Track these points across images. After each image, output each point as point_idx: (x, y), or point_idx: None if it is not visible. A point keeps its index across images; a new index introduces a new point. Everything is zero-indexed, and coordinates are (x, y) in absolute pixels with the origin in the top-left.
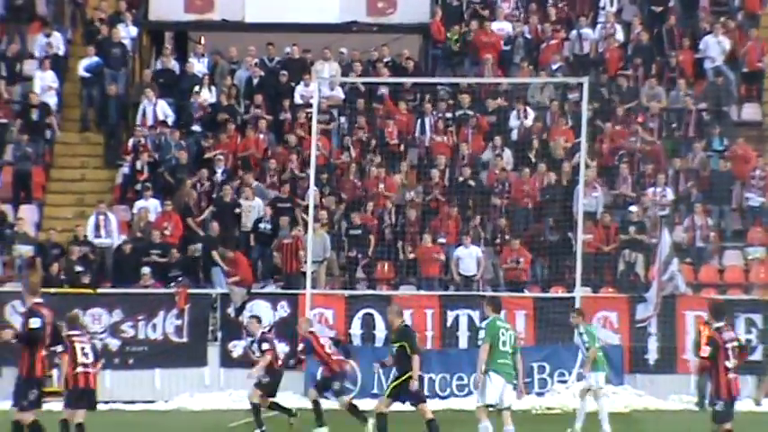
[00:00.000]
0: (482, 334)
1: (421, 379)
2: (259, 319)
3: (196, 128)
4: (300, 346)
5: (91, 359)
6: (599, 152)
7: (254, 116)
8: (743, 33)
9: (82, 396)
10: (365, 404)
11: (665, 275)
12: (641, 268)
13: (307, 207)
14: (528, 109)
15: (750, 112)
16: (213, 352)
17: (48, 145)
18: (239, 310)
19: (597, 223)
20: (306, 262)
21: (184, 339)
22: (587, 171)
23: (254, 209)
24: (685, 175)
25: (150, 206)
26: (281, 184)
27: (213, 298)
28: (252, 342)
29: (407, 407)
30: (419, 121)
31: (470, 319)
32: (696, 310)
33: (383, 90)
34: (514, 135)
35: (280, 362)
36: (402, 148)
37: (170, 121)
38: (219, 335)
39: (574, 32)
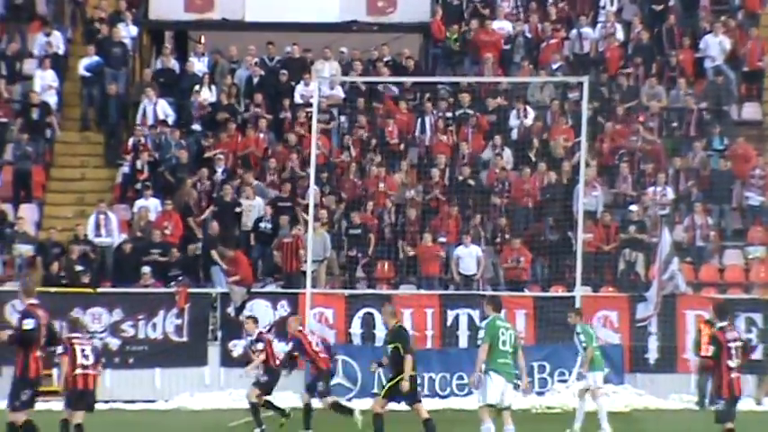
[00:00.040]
0: (481, 333)
1: (415, 379)
2: (255, 320)
3: (196, 127)
4: (290, 345)
5: (91, 361)
6: (599, 151)
7: (254, 115)
8: (743, 32)
9: (80, 397)
10: (366, 404)
11: (666, 275)
12: (641, 267)
13: (307, 206)
14: (528, 108)
15: (750, 111)
16: (213, 351)
17: (48, 144)
18: (239, 310)
19: (597, 222)
20: (306, 261)
21: (184, 339)
22: (587, 170)
23: (254, 208)
24: (685, 175)
25: (150, 205)
26: (281, 183)
27: (213, 297)
28: (252, 341)
29: (405, 406)
30: (419, 120)
31: (470, 318)
32: (696, 310)
33: (383, 88)
34: (514, 134)
35: (278, 361)
36: (402, 147)
37: (170, 120)
38: (220, 334)
39: (574, 32)
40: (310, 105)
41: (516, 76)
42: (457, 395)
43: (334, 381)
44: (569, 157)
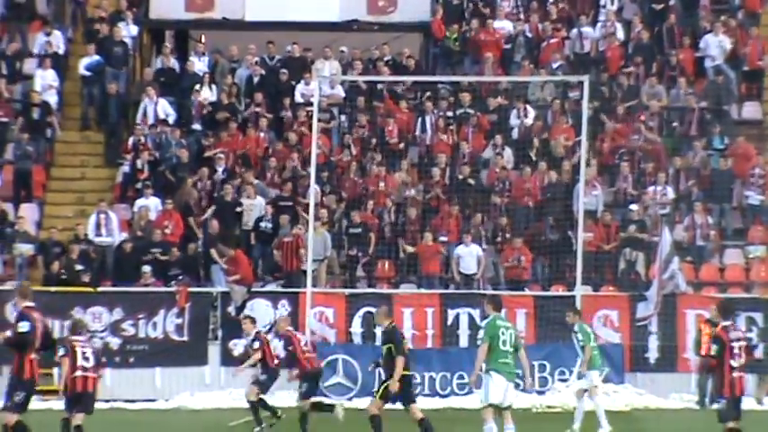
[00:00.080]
0: (481, 333)
1: (410, 380)
2: (253, 320)
3: (196, 126)
4: (282, 342)
5: (91, 363)
6: (600, 151)
7: (254, 114)
8: (743, 32)
9: (79, 400)
10: (366, 403)
11: (666, 274)
12: (642, 267)
13: (308, 205)
14: (528, 107)
15: (750, 110)
16: (214, 351)
17: (48, 144)
18: (240, 309)
19: (598, 222)
20: (306, 260)
21: (185, 338)
22: (588, 169)
23: (255, 207)
24: (686, 174)
25: (151, 205)
26: (282, 182)
27: (214, 296)
28: (250, 341)
29: (396, 406)
30: (420, 119)
31: (471, 317)
32: (697, 309)
33: (383, 87)
34: (515, 134)
35: (276, 361)
36: (402, 146)
37: (171, 119)
38: (220, 333)
39: (574, 31)
40: (311, 104)
41: (517, 76)
42: (457, 394)
43: (335, 380)
44: (570, 156)
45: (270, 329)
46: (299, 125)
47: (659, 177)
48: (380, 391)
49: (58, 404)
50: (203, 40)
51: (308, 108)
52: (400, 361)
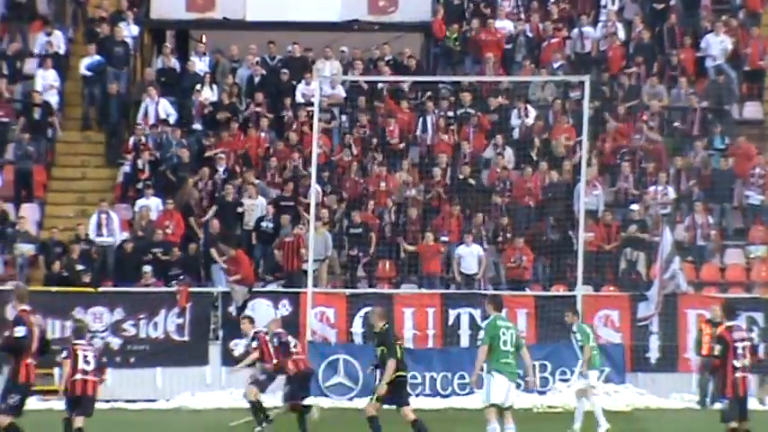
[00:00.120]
0: (481, 334)
1: (404, 382)
2: (251, 319)
3: (197, 126)
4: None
5: (92, 367)
6: (601, 150)
7: (254, 114)
8: (744, 32)
9: (79, 403)
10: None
11: (667, 274)
12: (643, 267)
13: (309, 205)
14: (529, 107)
15: (751, 110)
16: (214, 351)
17: (49, 144)
18: (241, 309)
19: (598, 222)
20: (307, 260)
21: (186, 338)
22: (588, 169)
23: (256, 207)
24: (687, 174)
25: (152, 204)
26: (283, 182)
27: (214, 296)
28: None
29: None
30: (420, 119)
31: (472, 317)
32: (698, 309)
33: (384, 87)
34: (516, 133)
35: (274, 360)
36: (403, 146)
37: (171, 119)
38: (221, 333)
39: (575, 31)
40: (311, 104)
41: (517, 76)
42: (458, 394)
43: (336, 380)
44: (570, 156)
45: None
46: (300, 125)
47: (660, 177)
48: (376, 392)
49: (59, 404)
50: (204, 40)
51: (309, 108)
52: (391, 364)
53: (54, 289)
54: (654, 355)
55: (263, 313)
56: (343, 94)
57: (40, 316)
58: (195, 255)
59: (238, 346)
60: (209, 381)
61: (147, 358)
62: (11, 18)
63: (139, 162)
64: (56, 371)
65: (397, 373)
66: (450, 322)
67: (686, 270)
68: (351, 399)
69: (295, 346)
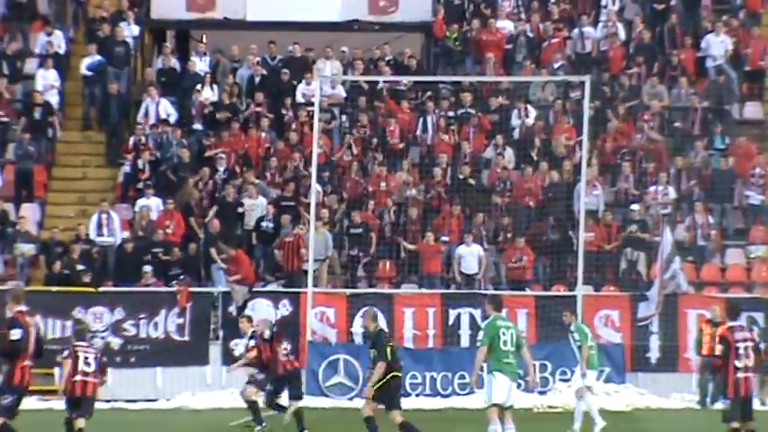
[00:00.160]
0: (480, 335)
1: (398, 385)
2: (250, 318)
3: (198, 126)
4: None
5: (92, 368)
6: (601, 150)
7: (255, 113)
8: (745, 32)
9: (78, 404)
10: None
11: (667, 274)
12: (643, 267)
13: (309, 205)
14: (529, 107)
15: (752, 110)
16: (215, 350)
17: (49, 144)
18: (241, 309)
19: (599, 222)
20: (307, 260)
21: (186, 338)
22: (589, 169)
23: (257, 207)
24: (687, 174)
25: (152, 204)
26: (284, 182)
27: (215, 296)
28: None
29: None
30: (421, 119)
31: (472, 317)
32: (698, 309)
33: (385, 87)
34: (516, 134)
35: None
36: (404, 146)
37: (172, 119)
38: (221, 333)
39: (576, 31)
40: (312, 104)
41: (518, 76)
42: (459, 394)
43: (336, 380)
44: (571, 156)
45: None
46: (301, 125)
47: (660, 177)
48: (372, 393)
49: (59, 404)
50: (204, 39)
51: (310, 108)
52: (379, 366)
53: (54, 289)
54: (654, 355)
55: (264, 313)
56: (344, 94)
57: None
58: (195, 255)
59: (239, 346)
60: (209, 381)
61: (147, 358)
62: (11, 18)
63: (140, 162)
64: (56, 371)
65: (392, 374)
66: (451, 322)
67: (687, 270)
68: (351, 399)
69: (285, 347)
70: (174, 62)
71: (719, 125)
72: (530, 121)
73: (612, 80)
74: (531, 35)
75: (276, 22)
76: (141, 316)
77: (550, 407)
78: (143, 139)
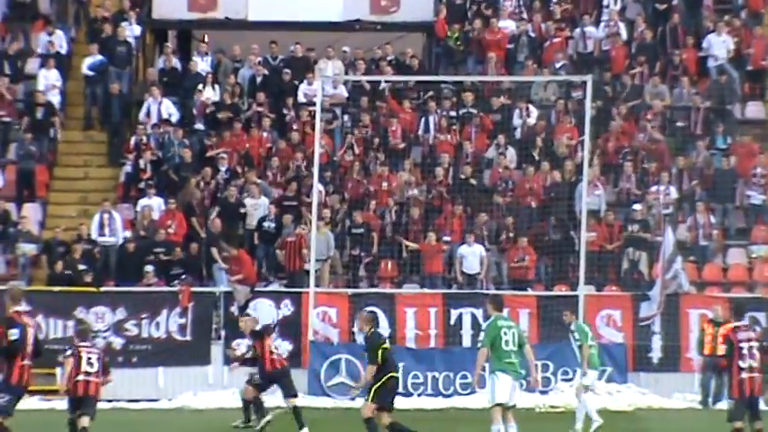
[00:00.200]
0: (481, 336)
1: (393, 387)
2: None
3: (199, 126)
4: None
5: (95, 368)
6: (604, 150)
7: (256, 113)
8: (747, 31)
9: (81, 403)
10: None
11: (669, 274)
12: (645, 266)
13: (311, 205)
14: (530, 107)
15: (754, 110)
16: (217, 350)
17: (51, 143)
18: (243, 309)
19: (601, 221)
20: (309, 260)
21: (188, 338)
22: (590, 169)
23: (259, 207)
24: (689, 174)
25: (154, 204)
26: (286, 182)
27: (216, 296)
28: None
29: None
30: (423, 119)
31: (474, 317)
32: (700, 309)
33: (386, 88)
34: (518, 133)
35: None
36: (405, 146)
37: (174, 119)
38: (223, 333)
39: (577, 31)
40: (313, 104)
41: (520, 76)
42: (460, 394)
43: (338, 380)
44: (573, 156)
45: (273, 329)
46: (302, 125)
47: (662, 177)
48: (371, 394)
49: (60, 404)
50: (206, 39)
51: (311, 108)
52: (369, 370)
53: (56, 289)
54: (656, 354)
55: (266, 313)
56: (346, 94)
57: (37, 317)
58: (197, 255)
59: (240, 346)
60: (211, 380)
61: (149, 358)
62: (13, 18)
63: (141, 162)
64: (57, 371)
65: (389, 375)
66: (453, 322)
67: (688, 270)
68: (353, 398)
69: (275, 347)
70: (176, 62)
71: (721, 125)
72: (531, 120)
73: (614, 80)
74: (532, 35)
75: (278, 21)
76: (143, 316)
77: (552, 407)
78: (144, 138)
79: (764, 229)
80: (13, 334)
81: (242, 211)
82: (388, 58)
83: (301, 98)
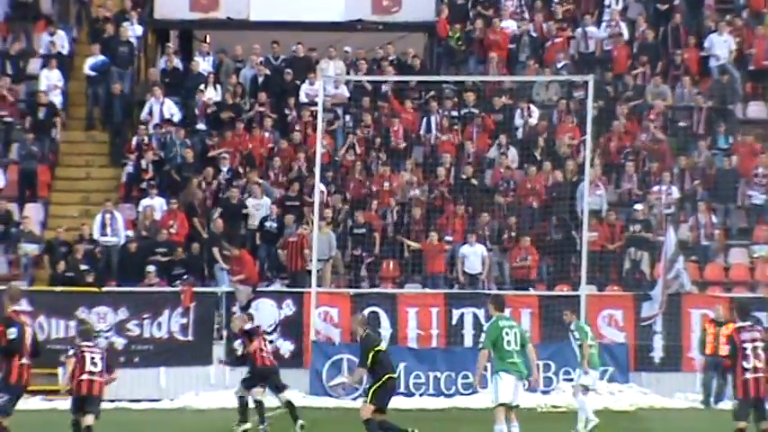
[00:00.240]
0: (482, 338)
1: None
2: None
3: (201, 126)
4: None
5: (99, 368)
6: (606, 150)
7: (258, 113)
8: (749, 31)
9: (84, 402)
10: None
11: (671, 273)
12: (647, 266)
13: (313, 205)
14: (532, 107)
15: (755, 109)
16: (218, 350)
17: (53, 143)
18: (244, 309)
19: (602, 221)
20: (311, 260)
21: (189, 338)
22: (592, 169)
23: (262, 207)
24: (691, 174)
25: (156, 204)
26: (288, 182)
27: (218, 296)
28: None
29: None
30: (424, 119)
31: (476, 317)
32: (702, 309)
33: (387, 88)
34: (520, 133)
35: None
36: (407, 146)
37: (176, 119)
38: (225, 333)
39: (579, 30)
40: (315, 104)
41: (521, 75)
42: (462, 394)
43: (339, 380)
44: (575, 156)
45: (275, 329)
46: (304, 125)
47: (664, 177)
48: (369, 395)
49: (62, 404)
50: (208, 39)
51: (313, 108)
52: (359, 371)
53: (58, 289)
54: (658, 354)
55: (267, 313)
56: (347, 94)
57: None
58: (199, 255)
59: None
60: (212, 380)
61: (150, 358)
62: (15, 18)
63: (143, 162)
64: (59, 370)
65: (387, 376)
66: (454, 322)
67: (690, 270)
68: (355, 398)
69: (266, 345)
70: (178, 62)
71: (723, 125)
72: (533, 120)
73: (616, 80)
74: (534, 35)
75: (279, 21)
76: (145, 316)
77: (554, 406)
78: (146, 138)
79: (766, 229)
80: (12, 333)
81: (244, 211)
82: (390, 58)
83: (303, 98)
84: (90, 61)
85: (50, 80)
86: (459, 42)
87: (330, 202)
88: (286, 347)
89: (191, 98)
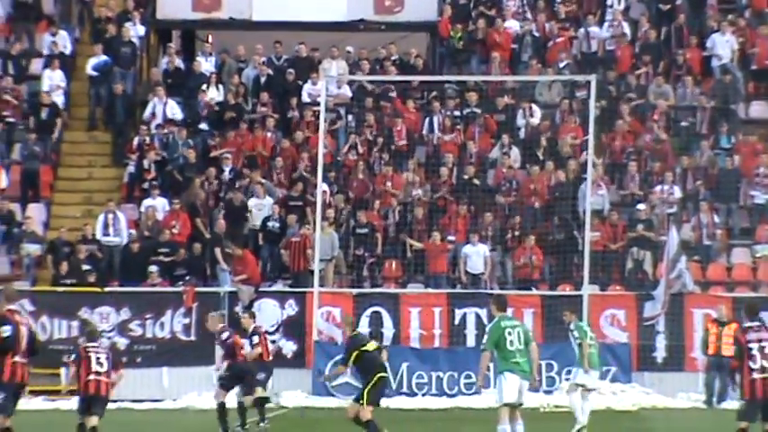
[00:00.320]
0: (485, 339)
1: (383, 385)
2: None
3: (203, 126)
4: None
5: (105, 368)
6: (610, 150)
7: (261, 114)
8: (751, 31)
9: (91, 402)
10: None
11: (673, 273)
12: (649, 266)
13: (315, 205)
14: (534, 107)
15: (758, 109)
16: (221, 351)
17: (55, 144)
18: (247, 309)
19: (605, 221)
20: (314, 260)
21: (192, 338)
22: (594, 169)
23: (263, 207)
24: (693, 173)
25: (158, 204)
26: (291, 182)
27: (221, 296)
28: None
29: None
30: (427, 119)
31: (478, 317)
32: (704, 308)
33: (389, 87)
34: (522, 133)
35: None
36: (410, 146)
37: (178, 119)
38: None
39: (581, 30)
40: (317, 104)
41: (524, 75)
42: (465, 394)
43: (342, 380)
44: (577, 155)
45: (277, 329)
46: (306, 125)
47: (666, 177)
48: (365, 396)
49: (65, 404)
50: (210, 40)
51: (315, 108)
52: (339, 369)
53: (61, 289)
54: (660, 354)
55: (270, 313)
56: (350, 94)
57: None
58: (201, 255)
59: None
60: (215, 381)
61: (153, 358)
62: (17, 18)
63: (145, 162)
64: (62, 371)
65: (378, 375)
66: (457, 322)
67: (692, 269)
68: (357, 399)
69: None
70: (180, 62)
71: (725, 124)
72: (535, 120)
73: (618, 80)
74: (536, 35)
75: (282, 21)
76: (147, 316)
77: (557, 406)
78: (148, 139)
79: None
80: (5, 331)
81: (246, 211)
82: (392, 58)
83: (305, 98)
84: (92, 61)
85: (53, 80)
86: (462, 42)
87: (332, 202)
88: (288, 347)
89: (193, 98)
